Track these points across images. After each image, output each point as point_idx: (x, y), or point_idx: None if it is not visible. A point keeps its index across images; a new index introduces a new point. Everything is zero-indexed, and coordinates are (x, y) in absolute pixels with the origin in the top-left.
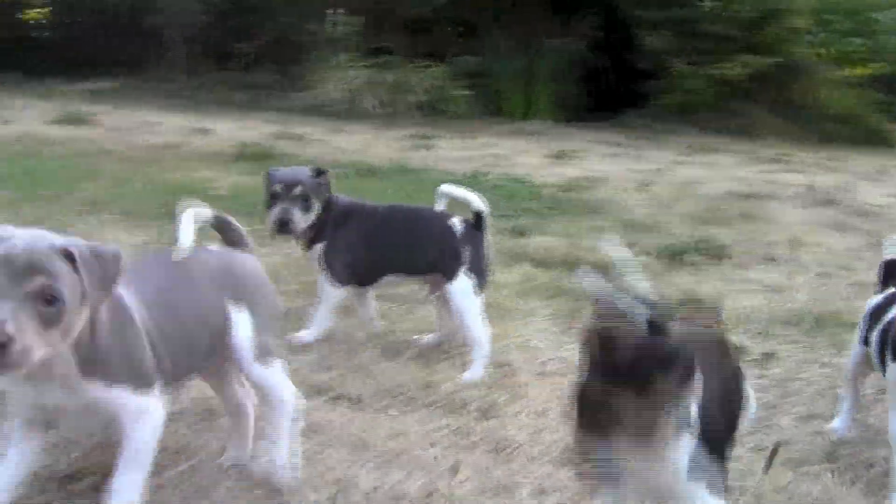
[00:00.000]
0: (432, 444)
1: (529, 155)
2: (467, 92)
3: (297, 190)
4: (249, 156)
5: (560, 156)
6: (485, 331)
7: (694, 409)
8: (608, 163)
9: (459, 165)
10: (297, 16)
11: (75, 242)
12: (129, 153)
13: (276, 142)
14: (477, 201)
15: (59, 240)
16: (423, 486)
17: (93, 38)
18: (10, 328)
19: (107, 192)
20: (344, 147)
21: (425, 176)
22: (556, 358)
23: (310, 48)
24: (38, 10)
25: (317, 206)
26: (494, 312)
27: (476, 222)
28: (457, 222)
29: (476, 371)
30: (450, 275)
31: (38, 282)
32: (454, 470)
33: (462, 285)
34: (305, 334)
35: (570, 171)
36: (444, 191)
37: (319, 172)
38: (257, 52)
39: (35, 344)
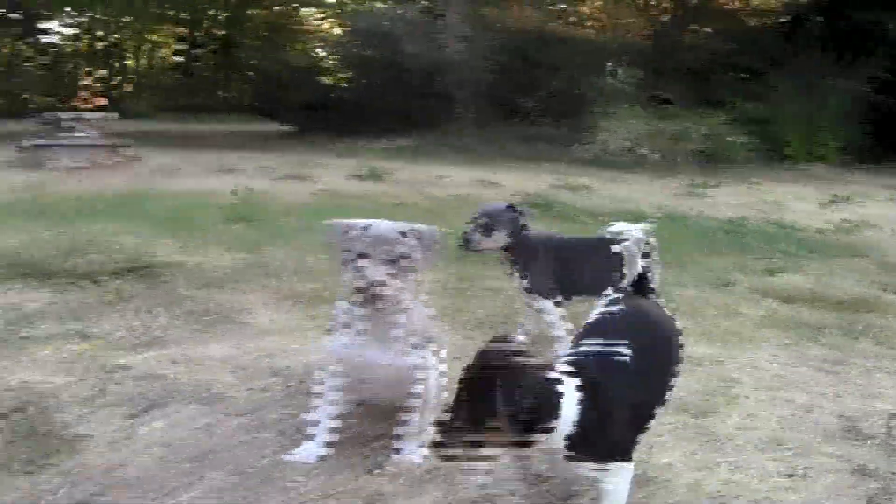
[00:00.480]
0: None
1: (804, 200)
2: (747, 138)
3: (485, 219)
4: (532, 205)
5: (834, 200)
6: None
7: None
8: (884, 206)
9: (727, 211)
10: (579, 70)
11: (418, 227)
12: (422, 204)
13: (557, 192)
14: (640, 232)
15: (407, 225)
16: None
17: (390, 99)
18: (379, 277)
19: None
20: (618, 196)
21: (688, 222)
22: (779, 376)
23: (591, 100)
24: (339, 74)
25: (503, 233)
26: (732, 338)
27: (645, 250)
28: (628, 249)
29: None
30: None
31: (390, 248)
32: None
33: None
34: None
35: (841, 215)
36: (616, 227)
37: (512, 209)
38: (541, 105)
39: (395, 290)
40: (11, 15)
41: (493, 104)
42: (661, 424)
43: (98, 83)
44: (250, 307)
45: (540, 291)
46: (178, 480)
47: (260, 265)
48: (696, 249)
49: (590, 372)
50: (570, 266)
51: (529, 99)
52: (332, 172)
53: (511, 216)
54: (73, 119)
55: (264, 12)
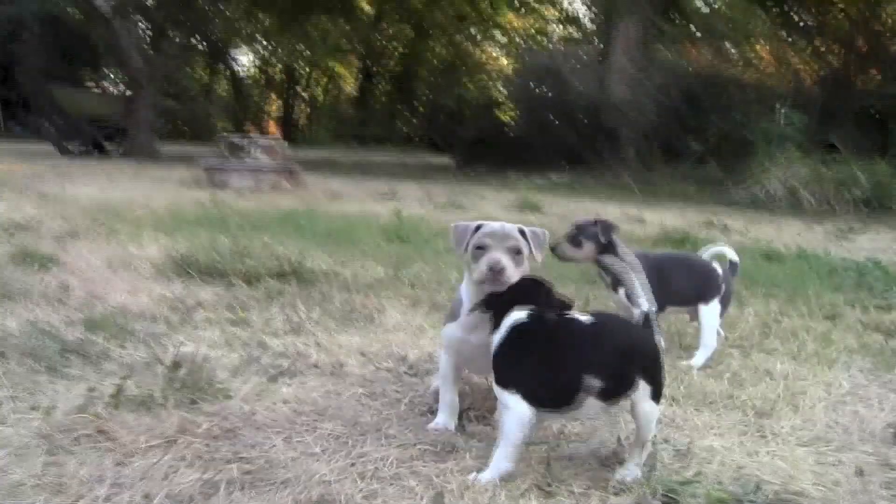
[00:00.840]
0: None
1: None
2: None
3: (573, 231)
4: (668, 239)
5: None
6: (713, 338)
7: None
8: None
9: (865, 253)
10: (747, 113)
11: (530, 227)
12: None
13: (699, 229)
14: (733, 254)
15: (518, 226)
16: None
17: (554, 135)
18: (505, 263)
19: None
20: (758, 235)
21: (820, 261)
22: (849, 392)
23: (756, 143)
24: (509, 110)
25: (589, 245)
26: (817, 359)
27: (731, 268)
28: (717, 266)
29: (698, 359)
30: (707, 301)
31: (511, 243)
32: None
33: (712, 308)
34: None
35: None
36: (713, 250)
37: (595, 223)
38: (705, 147)
39: (512, 273)
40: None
41: (658, 144)
42: (718, 419)
43: (279, 111)
44: (386, 309)
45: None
46: (300, 426)
47: (403, 277)
48: (818, 285)
49: (549, 318)
50: (664, 280)
51: (694, 140)
52: (487, 203)
53: (594, 229)
54: (250, 143)
55: (440, 48)
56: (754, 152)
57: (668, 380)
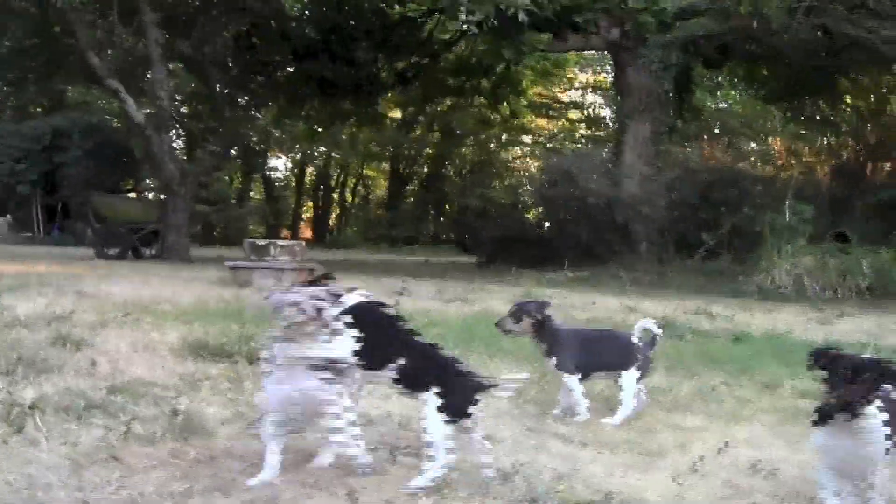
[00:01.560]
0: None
1: None
2: None
3: (512, 310)
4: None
5: None
6: (631, 400)
7: None
8: None
9: (840, 336)
10: (757, 206)
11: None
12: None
13: (686, 316)
14: (655, 329)
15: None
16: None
17: (572, 233)
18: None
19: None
20: (743, 321)
21: (780, 342)
22: (741, 439)
23: (764, 236)
24: (532, 210)
25: (526, 321)
26: (729, 417)
27: (652, 341)
28: (637, 339)
29: (617, 418)
30: (626, 368)
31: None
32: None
33: (630, 374)
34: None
35: None
36: (640, 325)
37: (533, 303)
38: (718, 240)
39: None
40: (236, 152)
41: (671, 238)
42: (610, 457)
43: (312, 213)
44: None
45: (566, 369)
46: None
47: None
48: (771, 361)
49: None
50: (590, 351)
51: (707, 234)
52: (492, 297)
53: (530, 307)
54: (271, 245)
55: (467, 150)
56: (764, 244)
57: (583, 430)
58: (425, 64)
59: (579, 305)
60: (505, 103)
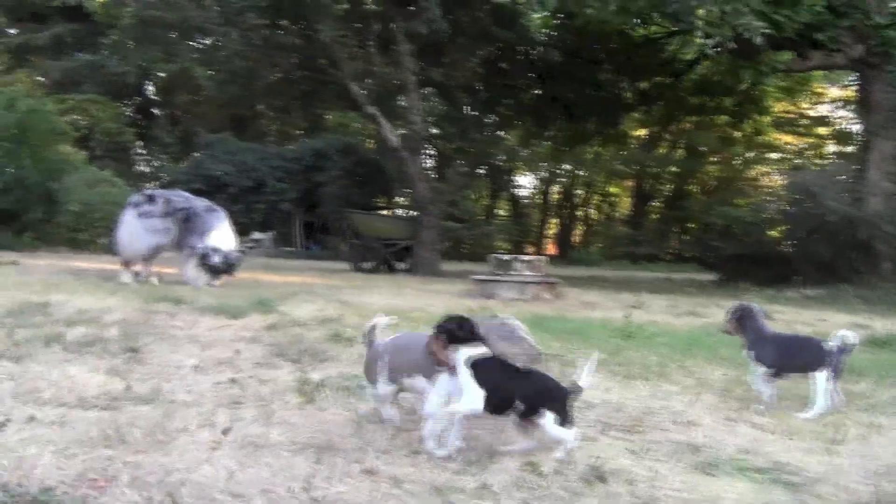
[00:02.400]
0: None
1: None
2: None
3: (731, 314)
4: (873, 342)
5: None
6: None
7: None
8: None
9: None
10: None
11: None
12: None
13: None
14: (852, 339)
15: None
16: None
17: (812, 251)
18: None
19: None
20: None
21: None
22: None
23: None
24: (774, 227)
25: (732, 322)
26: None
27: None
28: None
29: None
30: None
31: None
32: None
33: (823, 375)
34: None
35: None
36: (839, 333)
37: (746, 308)
38: None
39: None
40: (485, 170)
41: None
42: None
43: (555, 231)
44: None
45: (759, 360)
46: None
47: (616, 358)
48: None
49: None
50: (785, 351)
51: None
52: (722, 312)
53: (738, 308)
54: (515, 260)
55: (711, 169)
56: None
57: (777, 421)
58: (667, 84)
59: (808, 321)
60: (748, 121)
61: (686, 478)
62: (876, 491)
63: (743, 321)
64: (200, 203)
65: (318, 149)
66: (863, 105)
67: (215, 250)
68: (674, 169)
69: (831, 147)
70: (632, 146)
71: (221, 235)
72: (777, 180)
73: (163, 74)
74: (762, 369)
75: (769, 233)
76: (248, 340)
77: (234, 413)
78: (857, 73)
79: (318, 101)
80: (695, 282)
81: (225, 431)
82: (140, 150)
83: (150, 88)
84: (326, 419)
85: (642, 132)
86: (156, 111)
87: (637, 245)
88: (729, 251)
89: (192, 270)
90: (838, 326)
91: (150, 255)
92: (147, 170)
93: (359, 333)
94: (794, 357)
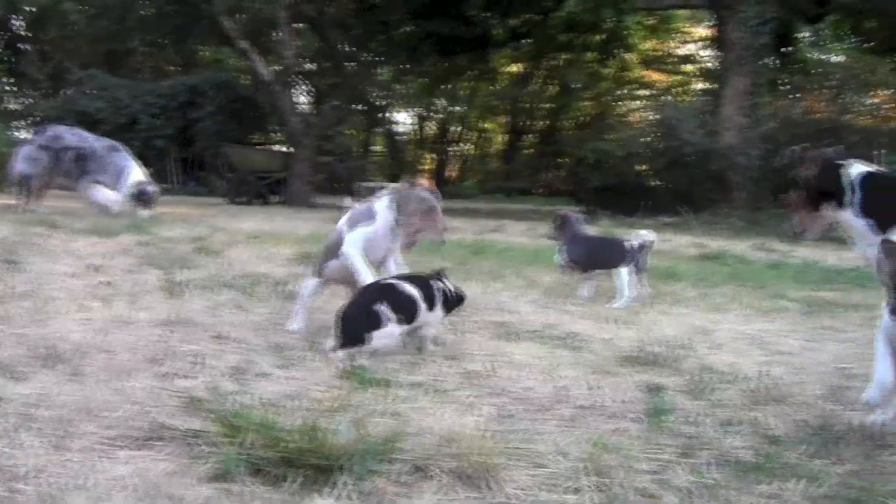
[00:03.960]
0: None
1: None
2: None
3: (555, 220)
4: (702, 257)
5: None
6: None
7: None
8: None
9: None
10: (853, 156)
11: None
12: None
13: (743, 250)
14: (650, 238)
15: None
16: None
17: (671, 182)
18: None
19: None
20: (795, 255)
21: (812, 267)
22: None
23: None
24: (639, 161)
25: (552, 228)
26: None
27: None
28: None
29: (617, 304)
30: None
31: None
32: None
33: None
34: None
35: None
36: (637, 233)
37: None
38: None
39: None
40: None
41: (767, 187)
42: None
43: (432, 166)
44: None
45: (573, 260)
46: None
47: (462, 267)
48: (790, 281)
49: None
50: (592, 250)
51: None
52: None
53: (564, 219)
54: (384, 187)
55: (583, 105)
56: None
57: (588, 308)
58: (537, 20)
59: (656, 243)
60: (614, 58)
61: (491, 342)
62: (639, 349)
63: (562, 227)
64: (100, 143)
65: (193, 85)
66: (719, 44)
67: (143, 184)
68: (546, 105)
69: (699, 84)
70: (505, 82)
71: (137, 170)
72: (644, 116)
73: (31, 9)
74: (562, 258)
75: (636, 166)
76: (120, 253)
77: (105, 303)
78: (714, 13)
79: (191, 37)
80: (529, 211)
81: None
82: (9, 87)
83: (18, 23)
84: (187, 307)
85: (515, 69)
86: (24, 47)
87: (510, 179)
88: (595, 184)
89: (103, 194)
90: (682, 247)
91: (21, 182)
92: (17, 107)
93: (225, 248)
94: (599, 255)
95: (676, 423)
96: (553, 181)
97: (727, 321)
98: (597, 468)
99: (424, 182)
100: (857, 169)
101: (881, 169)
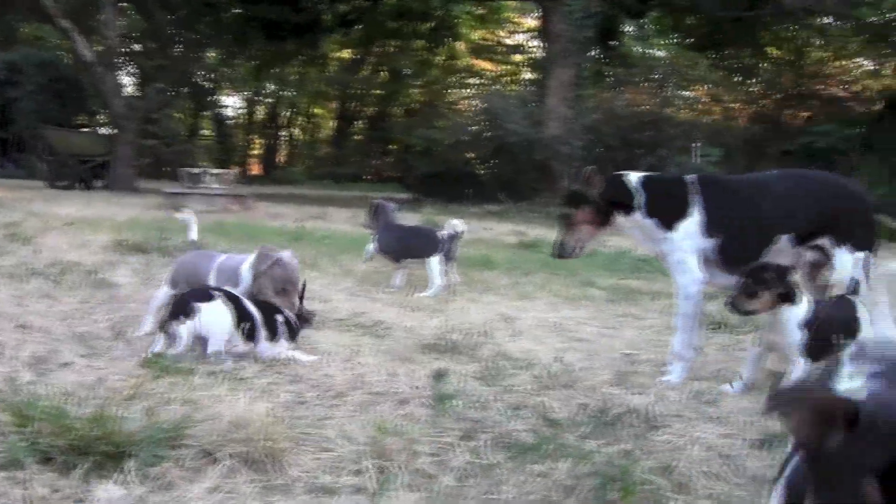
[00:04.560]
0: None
1: None
2: None
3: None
4: (522, 245)
5: None
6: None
7: None
8: None
9: None
10: (674, 149)
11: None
12: None
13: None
14: (460, 227)
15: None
16: None
17: (496, 171)
18: None
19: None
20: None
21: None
22: None
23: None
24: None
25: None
26: None
27: (453, 237)
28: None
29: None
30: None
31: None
32: None
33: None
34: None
35: None
36: (449, 223)
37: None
38: None
39: None
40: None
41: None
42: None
43: (260, 151)
44: None
45: (384, 250)
46: None
47: None
48: (598, 267)
49: None
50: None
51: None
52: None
53: (378, 208)
54: (204, 174)
55: (413, 92)
56: None
57: (401, 297)
58: (366, 7)
59: (476, 230)
60: (443, 47)
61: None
62: (441, 337)
63: (376, 215)
64: None
65: (12, 62)
66: (545, 35)
67: None
68: (376, 91)
69: (527, 75)
70: (335, 68)
71: None
72: (473, 105)
73: None
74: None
75: (464, 154)
76: None
77: None
78: (539, 4)
79: (10, 12)
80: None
81: None
82: None
83: None
84: None
85: (346, 54)
86: None
87: (340, 165)
88: (423, 171)
89: None
90: (502, 235)
91: None
92: None
93: (38, 235)
94: (411, 244)
95: (465, 407)
96: (382, 168)
97: (533, 309)
98: (379, 451)
99: (285, 252)
100: (634, 176)
101: (651, 173)
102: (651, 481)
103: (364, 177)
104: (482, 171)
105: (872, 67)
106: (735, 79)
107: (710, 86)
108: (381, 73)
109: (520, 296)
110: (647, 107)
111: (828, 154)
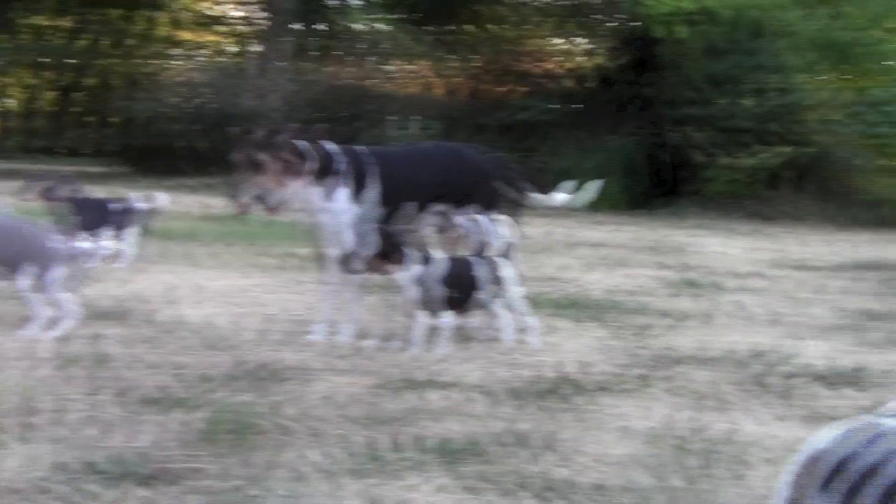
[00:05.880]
0: None
1: None
2: None
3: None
4: (210, 217)
5: None
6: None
7: None
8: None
9: None
10: (373, 122)
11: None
12: None
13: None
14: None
15: None
16: None
17: (199, 142)
18: None
19: None
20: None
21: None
22: None
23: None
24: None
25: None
26: None
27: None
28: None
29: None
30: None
31: None
32: None
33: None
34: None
35: None
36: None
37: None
38: None
39: None
40: None
41: None
42: None
43: None
44: None
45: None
46: None
47: None
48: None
49: None
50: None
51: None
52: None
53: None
54: None
55: (114, 61)
56: None
57: None
58: None
59: (190, 205)
60: (140, 16)
61: None
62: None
63: (50, 193)
64: None
65: None
66: (249, 6)
67: None
68: (73, 61)
69: (232, 47)
70: (28, 37)
71: None
72: (176, 77)
73: None
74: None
75: (168, 126)
76: None
77: None
78: None
79: None
80: (100, 173)
81: None
82: None
83: None
84: None
85: (38, 22)
86: None
87: (59, 138)
88: (134, 143)
89: None
90: (211, 207)
91: None
92: None
93: None
94: (96, 217)
95: (117, 368)
96: (102, 141)
97: (224, 278)
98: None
99: None
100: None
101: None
102: (287, 426)
103: (83, 150)
104: (201, 145)
105: (566, 46)
106: (456, 56)
107: (429, 61)
108: (77, 41)
109: (219, 265)
110: (349, 80)
111: (537, 127)
